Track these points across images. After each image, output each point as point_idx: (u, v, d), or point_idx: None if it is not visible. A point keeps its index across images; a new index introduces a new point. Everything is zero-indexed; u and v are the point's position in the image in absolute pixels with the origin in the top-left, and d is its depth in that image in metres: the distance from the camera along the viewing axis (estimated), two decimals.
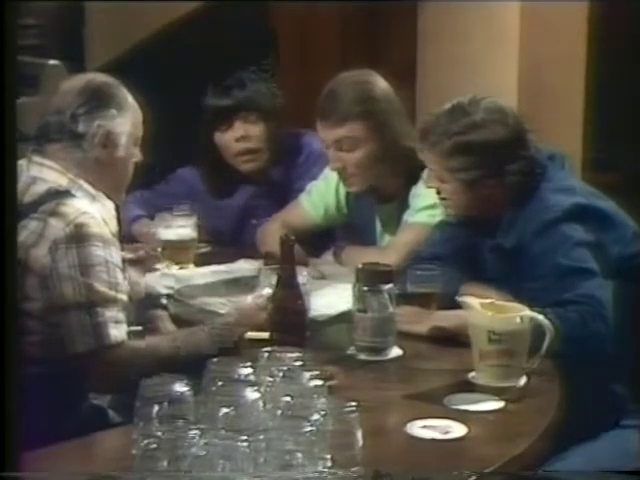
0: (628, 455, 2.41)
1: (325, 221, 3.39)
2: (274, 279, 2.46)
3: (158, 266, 3.18)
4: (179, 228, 3.27)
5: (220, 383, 1.93)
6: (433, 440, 2.03)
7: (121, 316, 2.44)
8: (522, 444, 2.03)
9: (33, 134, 2.56)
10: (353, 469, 1.81)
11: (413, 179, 3.07)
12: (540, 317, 2.30)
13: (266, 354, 2.07)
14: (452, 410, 2.16)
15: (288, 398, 1.88)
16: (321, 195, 3.36)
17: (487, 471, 1.91)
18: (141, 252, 3.10)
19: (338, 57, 4.84)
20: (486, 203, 2.68)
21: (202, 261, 3.25)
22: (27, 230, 2.39)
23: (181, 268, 3.20)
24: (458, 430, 2.06)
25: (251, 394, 1.89)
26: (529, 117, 2.82)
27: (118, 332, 2.42)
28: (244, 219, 3.60)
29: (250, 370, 1.99)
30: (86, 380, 2.43)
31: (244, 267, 3.12)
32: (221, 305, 2.80)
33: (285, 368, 2.00)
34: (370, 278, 2.46)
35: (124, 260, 2.57)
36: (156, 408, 1.87)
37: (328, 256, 3.29)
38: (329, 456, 1.78)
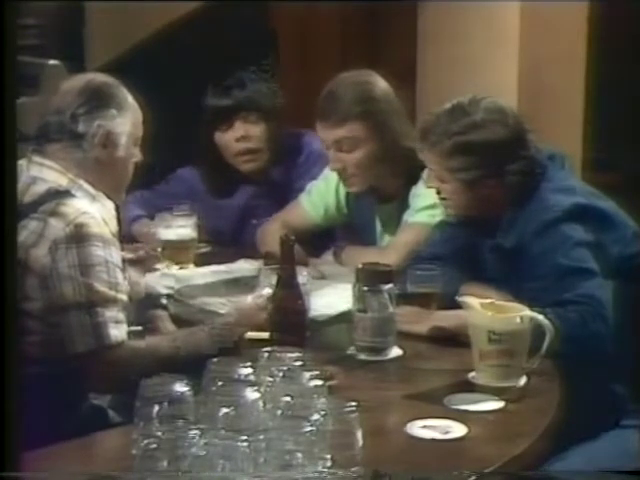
0: (628, 455, 2.41)
1: (325, 221, 3.39)
2: (274, 279, 2.46)
3: (158, 266, 3.18)
4: (179, 228, 3.27)
5: (220, 383, 1.93)
6: (433, 440, 2.03)
7: (121, 316, 2.44)
8: (522, 444, 2.03)
9: (33, 134, 2.56)
10: (353, 469, 1.81)
11: (413, 179, 3.07)
12: (540, 317, 2.30)
13: (266, 354, 2.07)
14: (452, 410, 2.16)
15: (288, 398, 1.88)
16: (321, 195, 3.36)
17: (487, 471, 1.91)
18: (141, 252, 3.10)
19: (338, 57, 4.85)
20: (486, 203, 2.68)
21: (202, 261, 3.25)
22: (27, 230, 2.39)
23: (181, 268, 3.20)
24: (458, 430, 2.06)
25: (251, 394, 1.90)
26: (529, 117, 2.82)
27: (118, 332, 2.42)
28: (244, 219, 3.60)
29: (250, 370, 1.99)
30: (86, 380, 2.43)
31: (244, 267, 3.12)
32: (221, 305, 2.80)
33: (285, 368, 2.00)
34: (370, 278, 2.46)
35: (124, 260, 2.57)
36: (156, 408, 1.87)
37: (328, 256, 3.29)
38: (329, 456, 1.78)
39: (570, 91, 4.59)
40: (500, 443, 2.05)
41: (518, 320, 2.29)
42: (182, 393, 1.89)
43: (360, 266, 2.51)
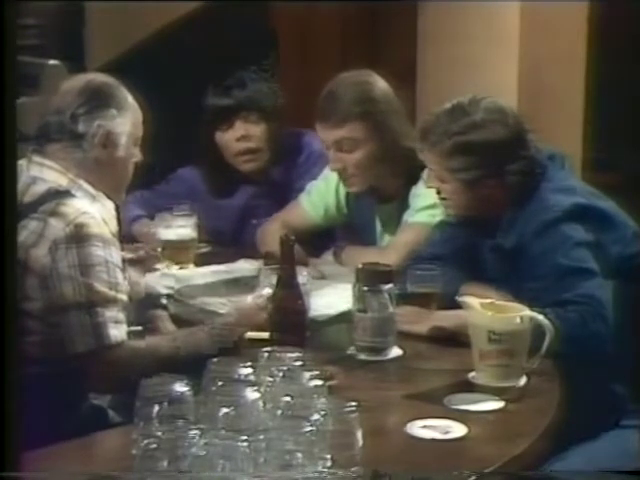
0: (628, 455, 2.41)
1: (325, 221, 3.39)
2: (274, 279, 2.46)
3: (158, 266, 3.18)
4: (179, 228, 3.27)
5: (220, 383, 1.93)
6: (433, 440, 2.03)
7: (121, 316, 2.44)
8: (522, 444, 2.03)
9: (33, 134, 2.56)
10: (353, 469, 1.81)
11: (413, 179, 3.07)
12: (540, 317, 2.30)
13: (266, 354, 2.07)
14: (452, 410, 2.16)
15: (288, 398, 1.88)
16: (321, 195, 3.36)
17: (487, 471, 1.91)
18: (141, 252, 3.10)
19: (338, 57, 4.85)
20: (486, 203, 2.68)
21: (202, 261, 3.25)
22: (27, 230, 2.39)
23: (181, 268, 3.20)
24: (458, 430, 2.06)
25: (251, 394, 1.90)
26: (529, 117, 2.82)
27: (118, 332, 2.42)
28: (244, 219, 3.60)
29: (250, 370, 1.99)
30: (86, 380, 2.43)
31: (244, 267, 3.12)
32: (221, 305, 2.80)
33: (285, 368, 2.00)
34: (370, 278, 2.46)
35: (124, 260, 2.57)
36: (156, 408, 1.87)
37: (328, 256, 3.29)
38: (329, 456, 1.78)
39: (570, 91, 4.59)
40: (500, 443, 2.05)
41: (518, 320, 2.29)
42: (182, 393, 1.89)
43: (360, 266, 2.51)
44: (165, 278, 3.03)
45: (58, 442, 2.00)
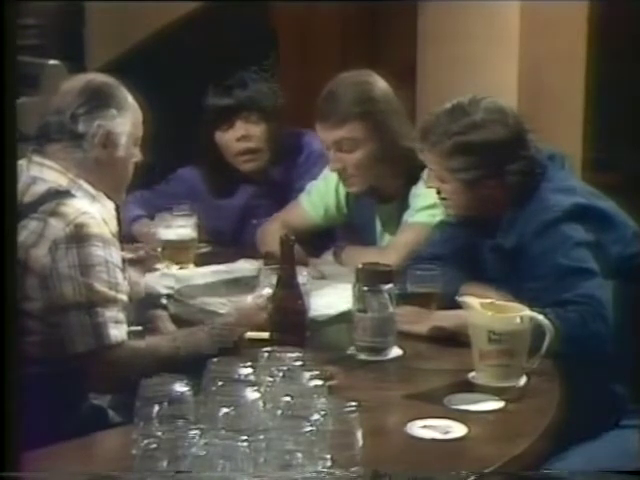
0: (628, 455, 2.41)
1: (325, 221, 3.39)
2: (274, 279, 2.46)
3: (158, 266, 3.18)
4: (179, 228, 3.27)
5: (220, 383, 1.93)
6: (433, 440, 2.03)
7: (121, 316, 2.44)
8: (522, 444, 2.03)
9: (33, 134, 2.55)
10: (353, 469, 1.81)
11: (413, 179, 3.07)
12: (540, 317, 2.30)
13: (266, 354, 2.07)
14: (452, 410, 2.16)
15: (288, 398, 1.88)
16: (321, 195, 3.36)
17: (487, 471, 1.91)
18: (141, 252, 3.10)
19: (338, 57, 4.85)
20: (486, 203, 2.68)
21: (202, 261, 3.25)
22: (27, 230, 2.39)
23: (181, 268, 3.20)
24: (458, 430, 2.06)
25: (251, 394, 1.90)
26: (529, 117, 2.83)
27: (118, 332, 2.42)
28: (244, 219, 3.60)
29: (250, 370, 1.99)
30: (86, 380, 2.43)
31: (244, 267, 3.12)
32: (221, 305, 2.80)
33: (285, 368, 2.00)
34: (370, 278, 2.46)
35: (124, 260, 2.57)
36: (156, 408, 1.87)
37: (328, 256, 3.29)
38: (329, 456, 1.78)
39: (570, 91, 4.59)
40: (500, 443, 2.05)
41: (518, 320, 2.29)
42: (182, 393, 1.89)
43: (360, 266, 2.51)
44: (165, 278, 3.03)
45: (58, 442, 2.00)
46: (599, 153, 4.69)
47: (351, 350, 2.49)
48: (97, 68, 3.97)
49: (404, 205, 3.13)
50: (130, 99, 2.59)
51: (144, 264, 3.06)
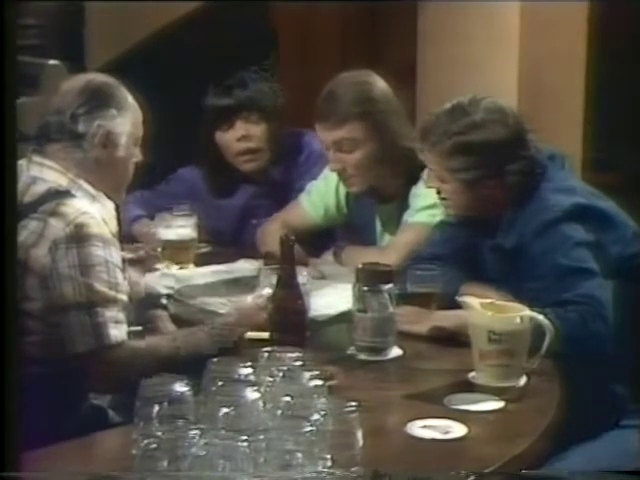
0: (628, 455, 2.41)
1: (325, 221, 3.39)
2: (274, 279, 2.46)
3: (158, 266, 3.18)
4: (179, 228, 3.27)
5: (220, 383, 1.93)
6: (433, 440, 2.03)
7: (121, 316, 2.44)
8: (522, 444, 2.03)
9: (33, 134, 2.56)
10: (353, 469, 1.81)
11: (413, 179, 3.07)
12: (540, 317, 2.30)
13: (266, 354, 2.07)
14: (452, 410, 2.16)
15: (288, 398, 1.88)
16: (321, 195, 3.36)
17: (487, 471, 1.91)
18: (141, 252, 3.10)
19: (338, 57, 4.85)
20: (486, 203, 2.68)
21: (202, 261, 3.25)
22: (27, 230, 2.39)
23: (181, 268, 3.20)
24: (458, 430, 2.06)
25: (251, 394, 1.90)
26: (529, 117, 2.82)
27: (118, 332, 2.42)
28: (244, 219, 3.60)
29: (250, 370, 1.99)
30: (86, 380, 2.43)
31: (244, 267, 3.12)
32: (221, 305, 2.80)
33: (285, 368, 2.00)
34: (370, 278, 2.46)
35: (124, 260, 2.57)
36: (156, 408, 1.87)
37: (328, 256, 3.29)
38: (329, 456, 1.78)
39: (570, 91, 4.59)
40: (500, 443, 2.05)
41: (518, 320, 2.29)
42: (182, 393, 1.89)
43: (360, 266, 2.51)
44: (165, 278, 3.03)
45: (58, 442, 2.00)
46: (599, 153, 4.69)
47: (351, 350, 2.49)
48: (97, 68, 3.97)
49: (404, 205, 3.13)
50: (130, 99, 2.59)
51: (144, 264, 3.06)
